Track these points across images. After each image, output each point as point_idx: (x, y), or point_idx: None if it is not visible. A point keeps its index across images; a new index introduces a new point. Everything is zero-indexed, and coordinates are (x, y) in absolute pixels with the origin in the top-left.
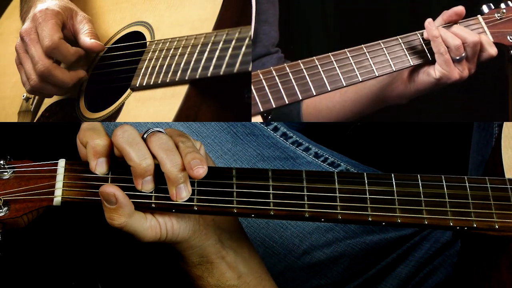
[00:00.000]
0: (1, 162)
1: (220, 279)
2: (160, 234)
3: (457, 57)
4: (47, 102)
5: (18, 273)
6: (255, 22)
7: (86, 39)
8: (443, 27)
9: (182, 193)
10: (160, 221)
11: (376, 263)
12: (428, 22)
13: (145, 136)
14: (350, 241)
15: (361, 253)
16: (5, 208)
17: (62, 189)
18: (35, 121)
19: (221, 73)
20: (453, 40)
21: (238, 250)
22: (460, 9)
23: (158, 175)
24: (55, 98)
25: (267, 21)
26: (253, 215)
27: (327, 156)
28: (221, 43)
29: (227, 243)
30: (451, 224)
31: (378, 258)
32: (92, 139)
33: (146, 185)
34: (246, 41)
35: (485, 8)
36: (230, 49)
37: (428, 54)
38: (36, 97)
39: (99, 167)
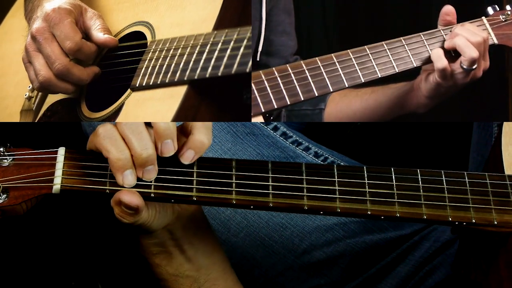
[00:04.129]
0: (1, 149)
1: (179, 268)
2: (144, 221)
3: (465, 67)
4: (49, 101)
5: (18, 273)
6: (272, 34)
7: (99, 34)
8: (446, 29)
9: (169, 147)
10: (149, 211)
11: (376, 263)
12: (435, 52)
13: None
14: (349, 240)
15: (361, 253)
16: (4, 196)
17: (62, 177)
18: (36, 120)
19: (219, 73)
20: (470, 52)
21: (200, 246)
22: (447, 8)
23: (159, 163)
24: (57, 97)
25: (285, 31)
26: (252, 207)
27: (327, 155)
28: (220, 43)
29: (189, 239)
30: (450, 219)
31: (377, 257)
32: (111, 153)
33: (148, 174)
34: (245, 41)
35: (490, 10)
36: (229, 50)
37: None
38: (39, 96)
39: (127, 179)
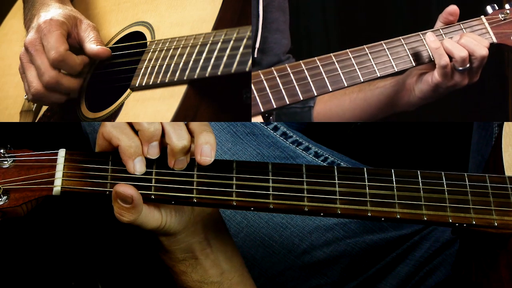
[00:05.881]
0: (1, 151)
1: (204, 275)
2: (159, 224)
3: (461, 68)
4: None
5: (18, 273)
6: (266, 31)
7: (92, 46)
8: (447, 28)
9: (180, 163)
10: (162, 212)
11: (375, 263)
12: (428, 35)
13: None
14: (349, 240)
15: (361, 253)
16: (5, 197)
17: (62, 179)
18: (36, 120)
19: (219, 73)
20: (459, 52)
21: (222, 248)
22: (452, 8)
23: (160, 165)
24: None
25: (278, 29)
26: (252, 208)
27: (327, 155)
28: (220, 43)
29: (212, 241)
30: (450, 220)
31: (377, 257)
32: (123, 140)
33: (152, 150)
34: (244, 41)
35: (489, 9)
36: (228, 49)
37: (431, 55)
38: None
39: (138, 166)
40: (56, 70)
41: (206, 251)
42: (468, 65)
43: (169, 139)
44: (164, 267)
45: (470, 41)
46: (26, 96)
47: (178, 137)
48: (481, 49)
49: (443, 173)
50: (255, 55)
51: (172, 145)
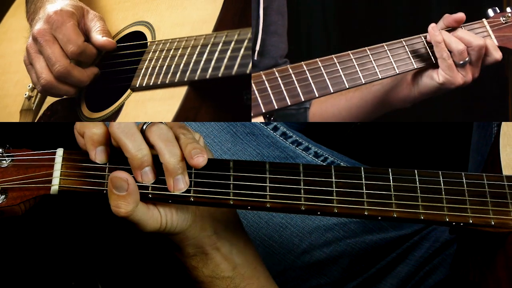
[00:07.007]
0: (0, 150)
1: (215, 270)
2: (160, 224)
3: (461, 62)
4: (49, 101)
5: (18, 273)
6: (264, 33)
7: (98, 37)
8: (447, 31)
9: (179, 184)
10: (161, 212)
11: (375, 263)
12: (431, 27)
13: (144, 127)
14: (349, 240)
15: (361, 253)
16: (3, 196)
17: (60, 178)
18: (36, 120)
19: (220, 75)
20: (456, 44)
21: (233, 241)
22: (460, 16)
23: (157, 165)
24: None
25: (276, 32)
26: (249, 207)
27: (326, 155)
28: (220, 44)
29: (222, 234)
30: (447, 219)
31: (377, 257)
32: (89, 128)
33: (146, 176)
34: (245, 43)
35: (490, 12)
36: (229, 51)
37: (432, 57)
38: (38, 96)
39: (99, 155)
40: (68, 60)
41: (216, 245)
42: (467, 58)
43: (162, 158)
44: (164, 267)
45: (466, 32)
46: (27, 94)
47: (170, 154)
48: (477, 40)
49: (440, 172)
50: (255, 58)
51: (165, 163)
